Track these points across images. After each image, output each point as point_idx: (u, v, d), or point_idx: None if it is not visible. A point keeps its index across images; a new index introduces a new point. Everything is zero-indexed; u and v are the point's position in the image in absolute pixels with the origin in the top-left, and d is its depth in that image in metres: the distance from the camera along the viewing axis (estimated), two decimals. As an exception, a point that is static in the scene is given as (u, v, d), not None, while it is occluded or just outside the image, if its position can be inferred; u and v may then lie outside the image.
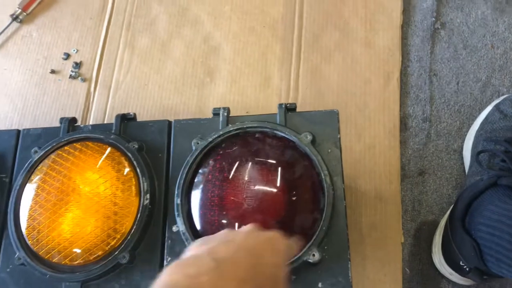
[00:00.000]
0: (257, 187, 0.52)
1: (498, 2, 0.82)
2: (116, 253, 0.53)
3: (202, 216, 0.53)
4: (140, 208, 0.54)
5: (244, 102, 0.80)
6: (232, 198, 0.52)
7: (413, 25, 0.83)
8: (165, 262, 0.54)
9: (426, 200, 0.73)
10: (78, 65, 0.88)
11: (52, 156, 0.59)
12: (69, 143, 0.60)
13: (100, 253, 0.54)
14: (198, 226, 0.53)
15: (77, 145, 0.59)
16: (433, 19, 0.82)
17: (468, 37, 0.81)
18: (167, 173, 0.58)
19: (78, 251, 0.54)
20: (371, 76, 0.79)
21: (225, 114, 0.57)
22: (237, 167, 0.53)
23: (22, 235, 0.56)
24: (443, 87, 0.78)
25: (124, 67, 0.87)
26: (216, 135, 0.55)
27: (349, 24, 0.83)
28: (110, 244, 0.54)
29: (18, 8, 0.92)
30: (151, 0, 0.90)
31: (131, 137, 0.60)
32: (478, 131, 0.70)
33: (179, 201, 0.53)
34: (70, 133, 0.61)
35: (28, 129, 0.64)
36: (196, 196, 0.54)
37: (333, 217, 0.51)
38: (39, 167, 0.59)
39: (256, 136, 0.55)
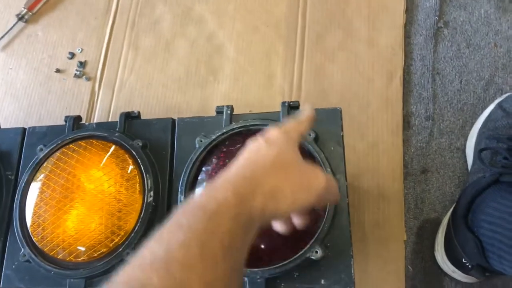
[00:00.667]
0: (260, 184, 0.52)
1: (501, 1, 0.82)
2: (120, 250, 0.53)
3: (206, 213, 0.53)
4: (144, 205, 0.55)
5: (247, 100, 0.81)
6: (235, 195, 0.52)
7: (416, 24, 0.83)
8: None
9: (429, 198, 0.73)
10: (82, 64, 0.89)
11: (57, 153, 0.59)
12: (74, 141, 0.61)
13: (104, 250, 0.54)
14: (201, 223, 0.53)
15: (82, 143, 0.60)
16: (436, 18, 0.82)
17: (471, 36, 0.81)
18: (171, 170, 0.58)
19: (83, 248, 0.54)
20: (374, 75, 0.79)
21: (229, 112, 0.58)
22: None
23: (28, 232, 0.57)
24: (446, 85, 0.78)
25: (128, 66, 0.87)
26: (219, 133, 0.56)
27: (352, 23, 0.83)
28: (114, 241, 0.54)
29: (24, 8, 0.93)
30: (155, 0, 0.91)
31: (135, 135, 0.60)
32: (480, 129, 0.70)
33: (183, 198, 0.54)
34: (75, 131, 0.61)
35: (34, 127, 0.64)
36: (199, 193, 0.54)
37: (336, 214, 0.51)
38: (44, 165, 0.59)
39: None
